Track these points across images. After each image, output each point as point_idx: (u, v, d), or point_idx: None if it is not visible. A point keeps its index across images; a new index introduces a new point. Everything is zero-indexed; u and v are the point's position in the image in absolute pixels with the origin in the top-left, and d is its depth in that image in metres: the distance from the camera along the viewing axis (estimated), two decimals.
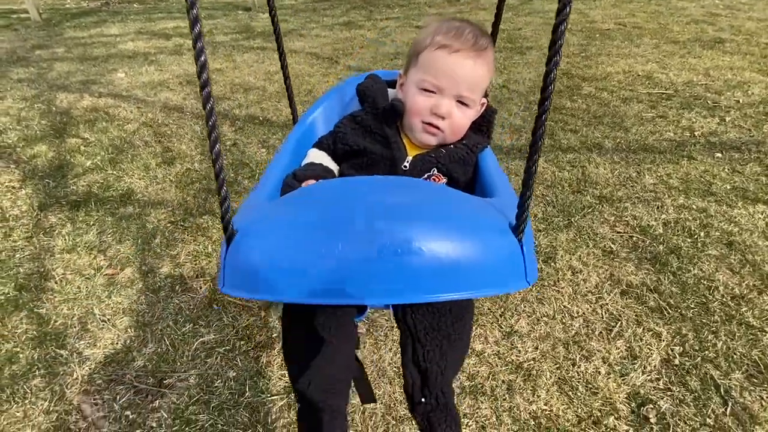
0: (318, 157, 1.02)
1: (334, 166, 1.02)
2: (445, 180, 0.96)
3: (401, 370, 0.87)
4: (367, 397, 1.04)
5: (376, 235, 0.57)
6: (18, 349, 1.73)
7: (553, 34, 0.54)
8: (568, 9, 0.53)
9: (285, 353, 0.87)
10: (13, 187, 2.71)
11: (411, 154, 0.97)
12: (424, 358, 0.81)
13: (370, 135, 0.97)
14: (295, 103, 1.31)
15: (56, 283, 2.02)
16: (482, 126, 1.02)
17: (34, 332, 1.80)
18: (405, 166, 0.95)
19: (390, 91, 1.07)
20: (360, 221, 0.59)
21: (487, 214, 0.66)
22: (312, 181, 0.90)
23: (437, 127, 0.94)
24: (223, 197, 0.62)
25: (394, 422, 1.48)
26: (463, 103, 0.94)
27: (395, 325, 1.76)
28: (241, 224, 0.65)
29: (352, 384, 0.96)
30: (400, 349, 0.86)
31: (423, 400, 0.83)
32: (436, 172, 0.95)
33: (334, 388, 0.82)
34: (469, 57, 0.89)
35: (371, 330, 1.80)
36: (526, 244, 0.64)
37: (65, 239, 2.28)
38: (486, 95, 1.01)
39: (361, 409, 1.51)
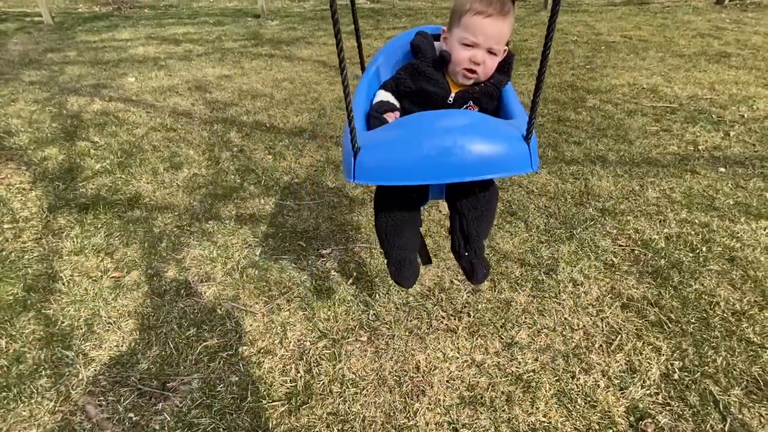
0: (386, 96, 1.32)
1: (397, 103, 1.34)
2: (477, 108, 1.30)
3: (450, 237, 1.32)
4: (426, 259, 1.52)
5: (445, 141, 0.96)
6: (25, 349, 1.76)
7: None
8: None
9: (377, 227, 1.29)
10: (24, 189, 2.76)
11: (454, 91, 1.30)
12: (467, 226, 1.25)
13: (425, 78, 1.28)
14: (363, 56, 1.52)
15: (64, 284, 2.06)
16: (504, 67, 1.31)
17: (41, 333, 1.83)
18: (450, 100, 1.29)
19: (436, 44, 1.36)
20: (435, 134, 0.97)
21: (508, 129, 1.04)
22: (391, 114, 1.27)
23: (474, 72, 1.25)
24: (352, 128, 0.97)
25: (394, 431, 1.49)
26: (492, 53, 1.24)
27: (396, 334, 1.78)
28: (362, 142, 1.01)
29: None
30: (450, 223, 1.32)
31: (466, 254, 1.27)
32: (471, 103, 1.29)
33: (408, 247, 1.29)
34: (498, 19, 1.19)
35: (372, 339, 1.81)
36: (532, 147, 1.02)
37: (73, 241, 2.32)
38: (507, 43, 1.28)
39: (361, 416, 1.53)
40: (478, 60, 1.23)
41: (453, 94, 1.30)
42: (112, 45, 5.98)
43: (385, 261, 1.35)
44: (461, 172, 0.97)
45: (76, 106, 3.97)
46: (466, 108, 1.30)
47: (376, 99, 1.33)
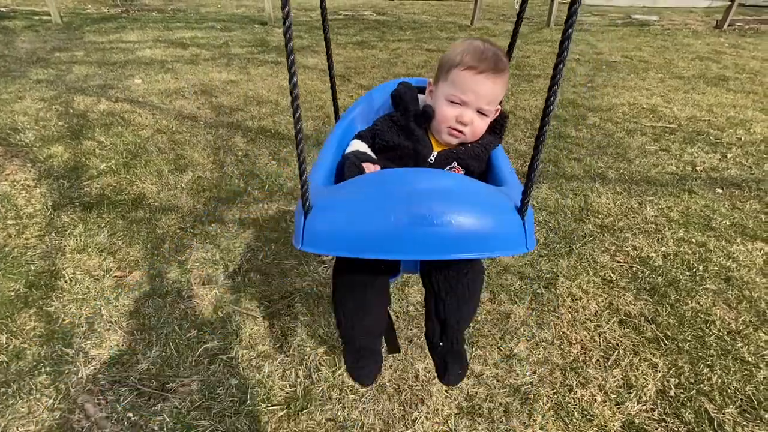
0: (361, 146, 1.21)
1: (374, 156, 1.23)
2: (463, 171, 1.18)
3: (424, 322, 1.12)
4: (393, 347, 1.33)
5: (418, 210, 0.79)
6: (25, 346, 1.76)
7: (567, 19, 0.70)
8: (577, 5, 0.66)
9: (335, 303, 1.08)
10: (29, 186, 2.77)
11: (436, 150, 1.19)
12: (444, 311, 1.04)
13: (404, 133, 1.17)
14: (338, 101, 1.51)
15: (66, 282, 2.06)
16: (495, 128, 1.22)
17: (42, 330, 1.83)
18: (431, 160, 1.17)
19: (420, 96, 1.26)
20: (407, 199, 0.81)
21: (499, 198, 0.89)
22: (371, 166, 1.12)
23: (461, 132, 1.14)
24: (303, 182, 0.81)
25: None
26: (482, 113, 1.14)
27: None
28: (315, 201, 0.85)
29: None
30: (424, 305, 1.13)
31: (441, 344, 1.09)
32: (456, 165, 1.17)
33: (372, 332, 1.09)
34: (490, 78, 1.09)
35: None
36: (527, 222, 0.86)
37: (77, 239, 2.33)
38: (500, 103, 1.20)
39: (360, 423, 1.54)
40: (466, 120, 1.11)
41: (435, 153, 1.17)
42: (120, 46, 6.03)
43: (342, 347, 1.13)
44: (438, 249, 0.79)
45: (82, 105, 4.00)
46: (450, 170, 1.17)
47: (350, 149, 1.19)
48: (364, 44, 6.69)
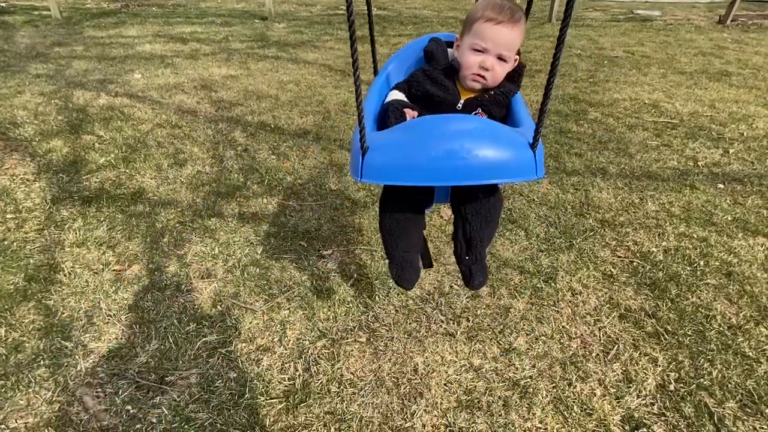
0: (399, 95, 1.34)
1: (411, 104, 1.37)
2: (485, 116, 1.31)
3: (452, 241, 1.33)
4: (427, 262, 1.52)
5: (452, 144, 0.97)
6: (24, 339, 1.76)
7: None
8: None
9: (382, 227, 1.29)
10: (28, 180, 2.77)
11: (463, 97, 1.32)
12: (470, 231, 1.26)
13: (436, 84, 1.31)
14: (376, 57, 1.60)
15: (65, 275, 2.06)
16: (514, 77, 1.33)
17: (41, 323, 1.83)
18: (459, 106, 1.31)
19: (449, 51, 1.38)
20: (442, 139, 0.98)
21: (515, 136, 1.05)
22: (411, 112, 1.27)
23: (483, 77, 1.27)
24: (361, 127, 0.99)
25: (390, 431, 1.50)
26: (502, 59, 1.26)
27: (395, 336, 1.79)
28: (371, 142, 1.02)
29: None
30: (453, 228, 1.33)
31: (467, 258, 1.29)
32: (480, 110, 1.30)
33: (411, 249, 1.31)
34: (507, 26, 1.22)
35: (371, 340, 1.82)
36: (537, 154, 1.02)
37: (76, 233, 2.32)
38: (518, 53, 1.31)
39: (358, 416, 1.53)
40: (488, 65, 1.25)
41: (462, 101, 1.32)
42: (119, 41, 6.01)
43: (387, 262, 1.35)
44: (467, 176, 0.98)
45: (82, 100, 3.99)
46: (475, 115, 1.32)
47: (390, 98, 1.35)
48: (365, 39, 6.61)
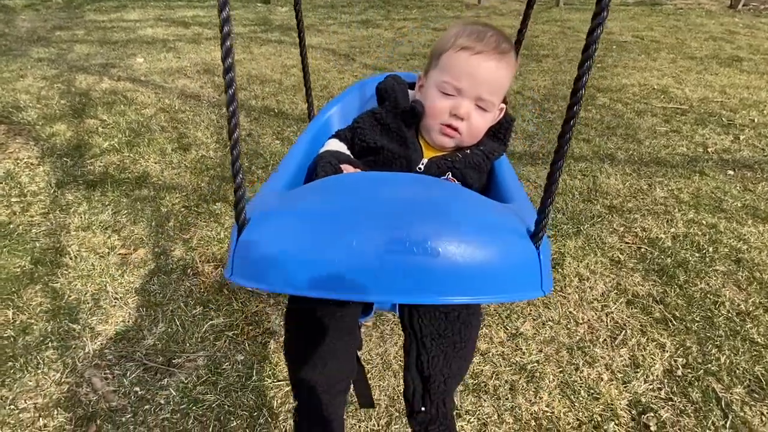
0: (339, 146, 1.00)
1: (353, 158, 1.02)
2: (459, 184, 0.96)
3: (403, 375, 0.86)
4: (365, 400, 1.02)
5: (391, 231, 0.56)
6: (32, 321, 1.77)
7: (588, 37, 0.54)
8: (605, 13, 0.53)
9: (286, 349, 0.85)
10: (32, 164, 2.76)
11: (427, 156, 0.97)
12: (428, 365, 0.80)
13: (389, 133, 0.96)
14: (312, 97, 1.33)
15: (71, 259, 2.06)
16: (499, 133, 1.01)
17: (48, 305, 1.84)
18: (420, 168, 0.95)
19: (410, 92, 1.05)
20: (376, 216, 0.58)
21: (505, 217, 0.66)
22: (350, 167, 0.91)
23: (455, 129, 0.93)
24: (237, 185, 0.60)
25: (397, 414, 1.50)
26: (482, 107, 0.92)
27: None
28: (254, 213, 0.63)
29: (351, 386, 0.95)
30: (402, 354, 0.84)
31: (423, 409, 0.82)
32: (450, 176, 0.94)
33: (334, 389, 0.83)
34: (491, 59, 0.88)
35: (378, 324, 1.82)
36: (543, 252, 0.63)
37: (81, 217, 2.32)
38: (505, 102, 1.00)
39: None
40: (461, 113, 0.90)
41: (425, 160, 0.95)
42: (121, 25, 5.94)
43: (294, 412, 0.86)
44: (421, 289, 0.57)
45: (84, 84, 3.96)
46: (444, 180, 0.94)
47: (325, 148, 0.99)
48: (369, 23, 6.56)
